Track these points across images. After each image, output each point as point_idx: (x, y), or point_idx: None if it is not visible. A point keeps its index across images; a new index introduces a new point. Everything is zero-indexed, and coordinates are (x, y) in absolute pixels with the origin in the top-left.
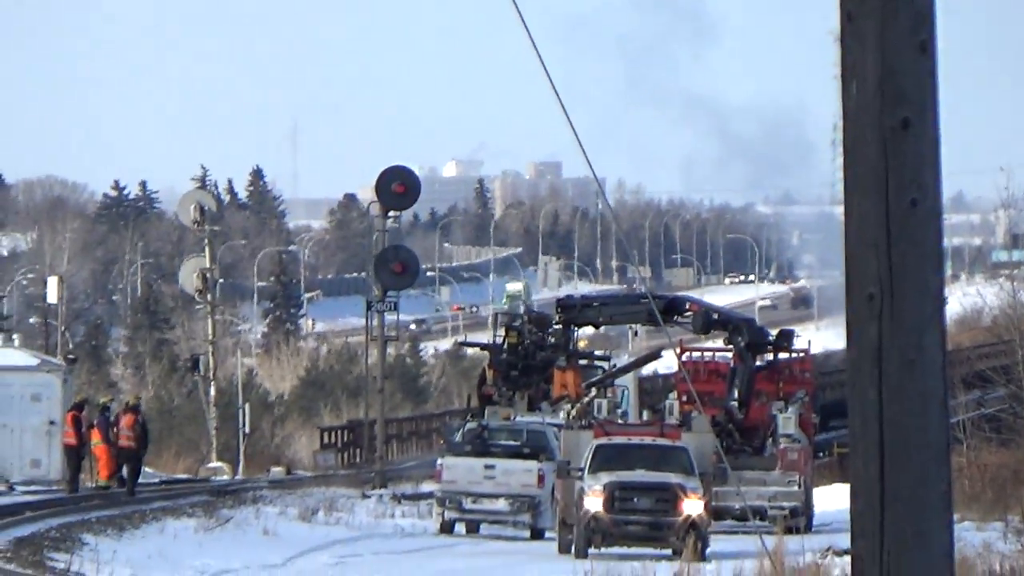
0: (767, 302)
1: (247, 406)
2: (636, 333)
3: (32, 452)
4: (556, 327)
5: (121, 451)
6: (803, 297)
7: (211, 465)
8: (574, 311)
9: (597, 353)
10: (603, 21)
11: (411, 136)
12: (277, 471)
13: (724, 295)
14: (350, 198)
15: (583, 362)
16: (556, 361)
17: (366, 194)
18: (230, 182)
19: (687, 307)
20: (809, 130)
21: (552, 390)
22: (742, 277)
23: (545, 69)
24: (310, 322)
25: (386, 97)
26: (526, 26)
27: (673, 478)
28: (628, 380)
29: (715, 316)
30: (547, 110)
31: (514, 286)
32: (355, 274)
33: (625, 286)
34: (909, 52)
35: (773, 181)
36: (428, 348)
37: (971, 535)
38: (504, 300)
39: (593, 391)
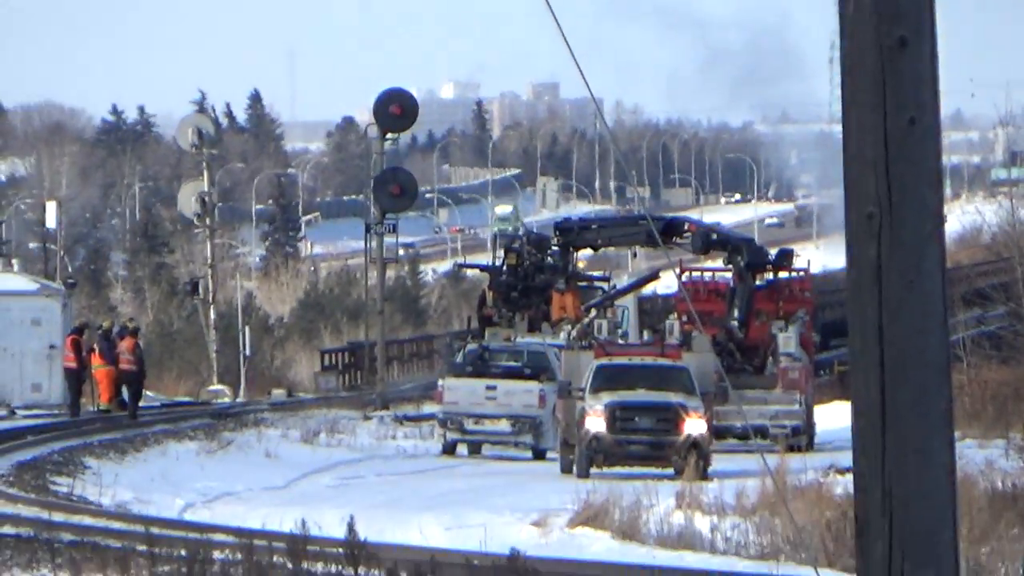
0: (775, 219)
1: (247, 329)
2: (635, 254)
3: (33, 376)
4: (555, 250)
5: (122, 374)
6: (809, 215)
7: (212, 388)
8: (572, 234)
9: (596, 275)
10: None
11: (408, 58)
12: (278, 394)
13: (724, 215)
14: (348, 121)
15: (582, 284)
16: (555, 284)
17: (364, 116)
18: (228, 106)
19: (686, 228)
20: (797, 41)
21: (551, 312)
22: (739, 196)
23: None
24: (309, 245)
25: (383, 19)
26: None
27: (674, 398)
28: (628, 301)
29: (714, 236)
30: (544, 31)
31: (503, 208)
32: (353, 196)
33: (619, 208)
34: None
35: (757, 92)
36: (427, 270)
37: (973, 453)
38: (493, 223)
39: (593, 312)
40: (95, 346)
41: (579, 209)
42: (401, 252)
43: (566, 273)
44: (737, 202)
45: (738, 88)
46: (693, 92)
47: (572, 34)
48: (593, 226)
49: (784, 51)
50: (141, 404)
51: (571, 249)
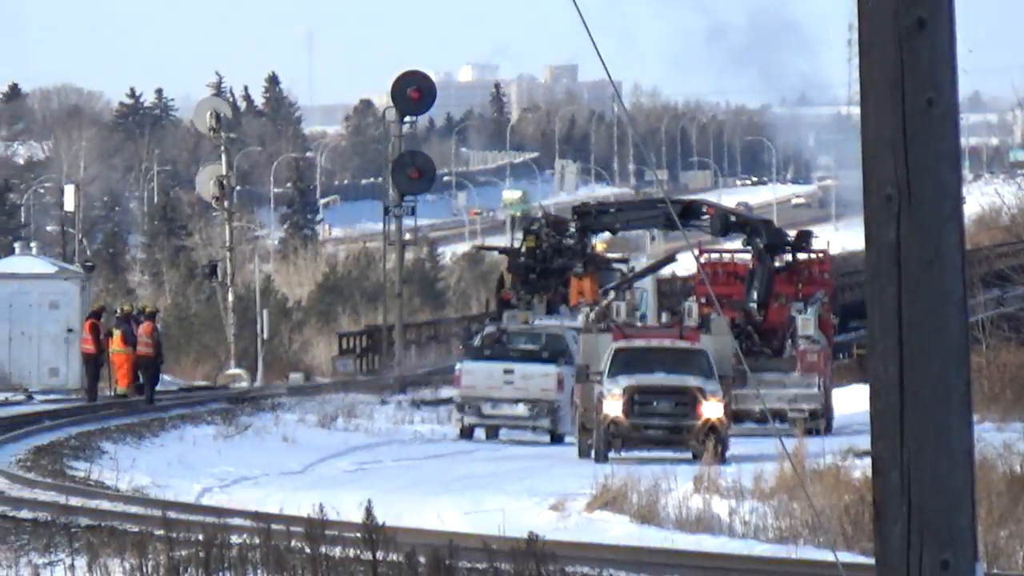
0: (801, 200)
1: (265, 312)
2: (654, 237)
3: (50, 360)
4: (573, 232)
5: (139, 358)
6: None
7: (230, 372)
8: (590, 218)
9: (615, 256)
10: None
11: (426, 41)
12: (296, 377)
13: (743, 197)
14: (366, 104)
15: (601, 266)
16: (573, 268)
17: (382, 99)
18: (246, 89)
19: (704, 210)
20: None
21: (570, 296)
22: (754, 179)
23: None
24: (327, 227)
25: (401, 2)
26: None
27: (692, 381)
28: (647, 283)
29: (733, 218)
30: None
31: (511, 194)
32: (372, 179)
33: (637, 191)
34: None
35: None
36: (446, 252)
37: (991, 435)
38: (501, 207)
39: (611, 295)
40: (113, 329)
41: (598, 192)
42: (408, 237)
43: (584, 257)
44: (754, 184)
45: (739, 63)
46: (695, 68)
47: (588, 14)
48: (611, 210)
49: (786, 25)
50: (158, 388)
51: (589, 233)
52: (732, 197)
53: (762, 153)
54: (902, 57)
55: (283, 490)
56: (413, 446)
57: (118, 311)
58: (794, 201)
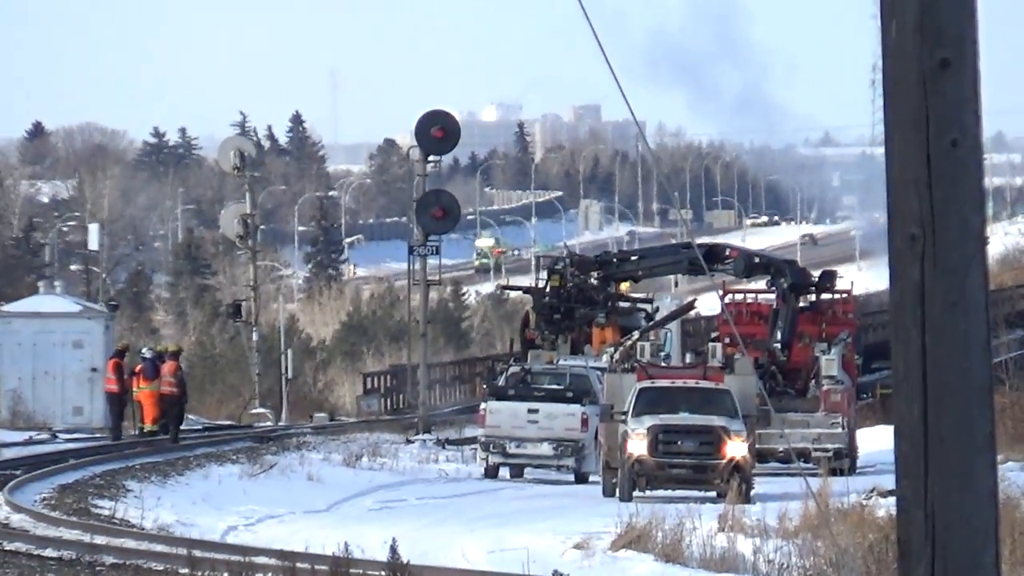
0: (808, 236)
1: (289, 352)
2: (677, 282)
3: (74, 399)
4: (595, 282)
5: (163, 397)
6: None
7: (254, 411)
8: (612, 267)
9: (639, 296)
10: None
11: (450, 80)
12: (320, 416)
13: (766, 237)
14: (390, 143)
15: (625, 305)
16: (595, 318)
17: (405, 139)
18: (270, 127)
19: (727, 253)
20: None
21: (592, 345)
22: (766, 219)
23: (584, 12)
24: (352, 267)
25: (425, 42)
26: None
27: (717, 420)
28: (671, 324)
29: (756, 259)
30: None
31: (484, 242)
32: (396, 219)
33: (663, 231)
34: None
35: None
36: (470, 292)
37: (1015, 475)
38: (475, 258)
39: (635, 335)
40: (138, 368)
41: (622, 231)
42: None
43: (606, 307)
44: (767, 224)
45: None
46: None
47: (612, 55)
48: (633, 257)
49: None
50: (183, 427)
51: (611, 282)
52: (756, 238)
53: (785, 193)
54: (926, 98)
55: (308, 528)
56: (438, 485)
57: (148, 350)
58: (801, 235)
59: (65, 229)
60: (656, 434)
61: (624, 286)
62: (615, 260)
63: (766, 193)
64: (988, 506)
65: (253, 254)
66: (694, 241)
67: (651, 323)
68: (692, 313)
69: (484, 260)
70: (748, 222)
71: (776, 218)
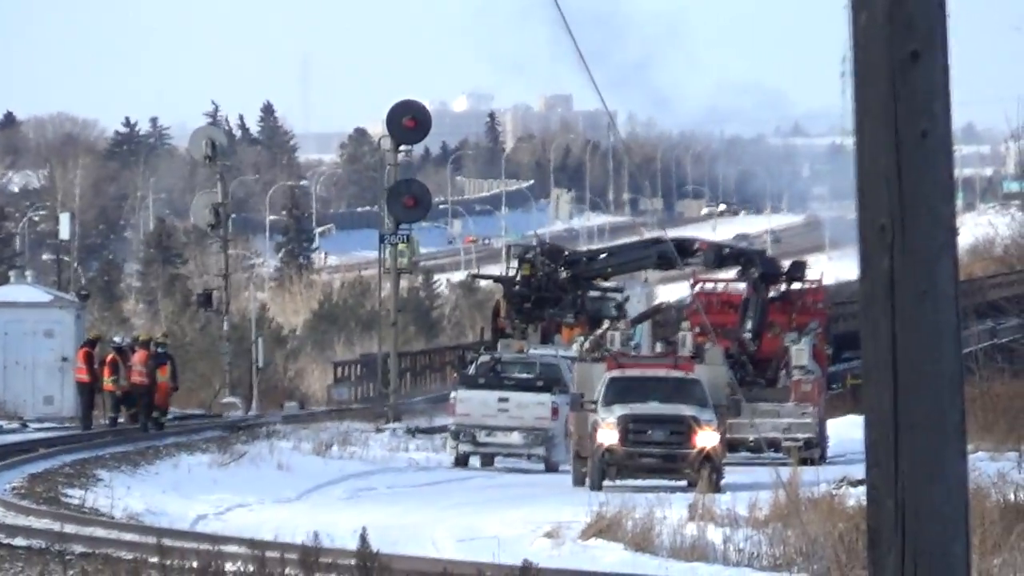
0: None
1: (260, 341)
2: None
3: (45, 389)
4: (564, 280)
5: (134, 387)
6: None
7: (225, 400)
8: (581, 266)
9: (609, 286)
10: None
11: (421, 70)
12: (291, 405)
13: (735, 226)
14: (361, 132)
15: (594, 294)
16: (564, 318)
17: (376, 128)
18: (241, 117)
19: (696, 246)
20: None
21: (562, 336)
22: (723, 207)
23: (557, 5)
24: (323, 255)
25: (396, 31)
26: None
27: (687, 410)
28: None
29: (726, 250)
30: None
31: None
32: (367, 208)
33: (634, 218)
34: None
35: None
36: (441, 280)
37: (985, 465)
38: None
39: (606, 323)
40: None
41: (592, 221)
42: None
43: (575, 308)
44: (722, 214)
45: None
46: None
47: (584, 45)
48: (601, 256)
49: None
50: (167, 416)
51: (580, 281)
52: (729, 227)
53: (756, 183)
54: (896, 89)
55: (278, 517)
56: (408, 474)
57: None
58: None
59: (36, 219)
60: (626, 423)
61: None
62: (584, 259)
63: (737, 184)
64: (958, 495)
65: (224, 243)
66: (667, 236)
67: (621, 321)
68: (666, 298)
69: (401, 259)
70: (705, 210)
71: (735, 207)
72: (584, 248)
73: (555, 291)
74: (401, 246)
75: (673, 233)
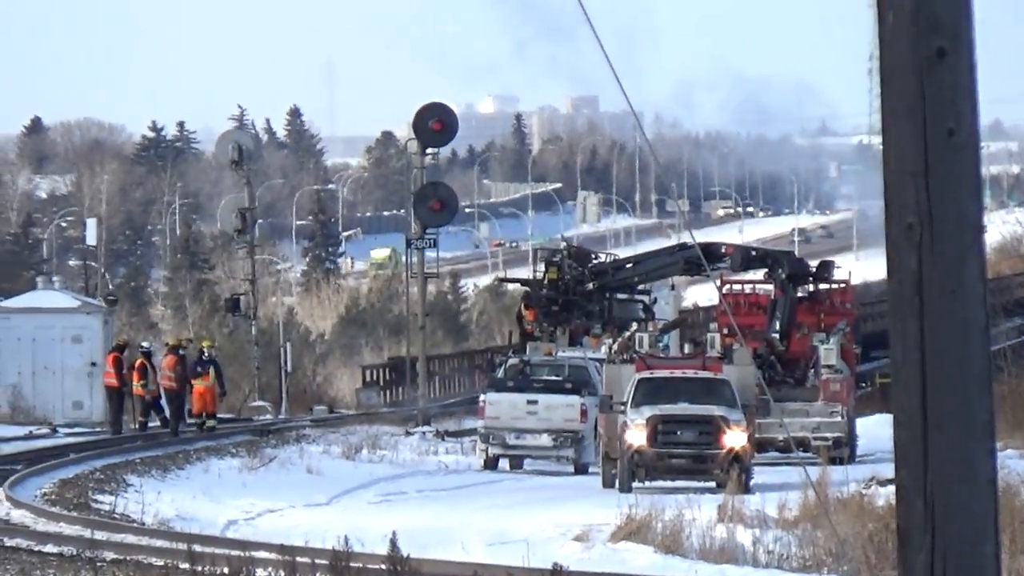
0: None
1: (288, 345)
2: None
3: (74, 394)
4: (591, 288)
5: (164, 392)
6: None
7: (254, 404)
8: (607, 276)
9: (638, 288)
10: None
11: (447, 73)
12: (320, 410)
13: (761, 228)
14: (387, 135)
15: (623, 296)
16: (591, 328)
17: (403, 131)
18: (268, 121)
19: (723, 250)
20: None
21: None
22: (738, 210)
23: (581, 4)
24: (349, 260)
25: (422, 34)
26: None
27: (716, 410)
28: (669, 314)
29: (753, 253)
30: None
31: (379, 253)
32: (394, 211)
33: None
34: None
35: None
36: (468, 284)
37: (1014, 463)
38: (368, 267)
39: (634, 325)
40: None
41: (619, 223)
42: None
43: (602, 318)
44: (740, 215)
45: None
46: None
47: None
48: (628, 265)
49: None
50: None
51: (607, 292)
52: (755, 228)
53: (783, 183)
54: (922, 87)
55: (308, 522)
56: (437, 477)
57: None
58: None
59: (63, 224)
60: (655, 424)
61: None
62: (610, 269)
63: (763, 184)
64: (987, 494)
65: (251, 248)
66: (695, 242)
67: (650, 323)
68: (692, 301)
69: (380, 271)
70: (722, 212)
71: (750, 208)
72: (610, 251)
73: (582, 299)
74: (380, 258)
75: (700, 236)
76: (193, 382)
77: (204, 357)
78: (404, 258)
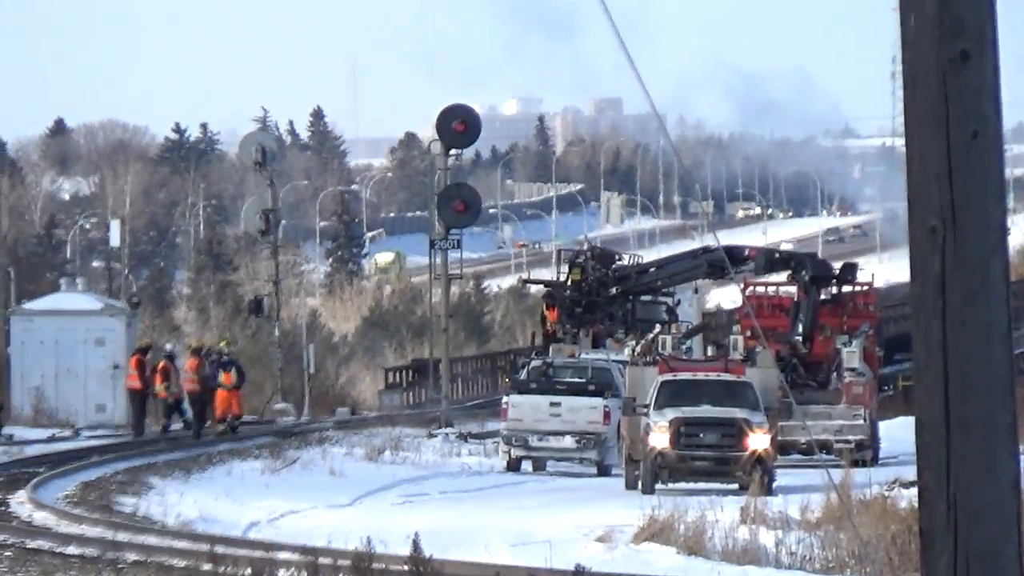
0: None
1: (311, 347)
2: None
3: (97, 396)
4: (614, 293)
5: (186, 394)
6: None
7: (277, 406)
8: (631, 281)
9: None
10: None
11: (470, 74)
12: (342, 411)
13: (784, 230)
14: (411, 136)
15: (646, 298)
16: (615, 333)
17: (426, 132)
18: (291, 123)
19: (746, 253)
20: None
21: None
22: (759, 210)
23: (604, 6)
24: (373, 262)
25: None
26: None
27: (738, 413)
28: (692, 316)
29: (776, 255)
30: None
31: (384, 257)
32: (417, 212)
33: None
34: None
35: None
36: (492, 286)
37: None
38: (373, 273)
39: (657, 327)
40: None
41: (643, 224)
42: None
43: (625, 323)
44: (756, 215)
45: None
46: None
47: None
48: (651, 269)
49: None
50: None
51: (630, 297)
52: (779, 230)
53: (806, 185)
54: (946, 89)
55: (330, 523)
56: (460, 479)
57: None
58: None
59: (87, 226)
60: (678, 427)
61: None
62: (633, 274)
63: (787, 185)
64: (1010, 497)
65: (274, 249)
66: (719, 244)
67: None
68: (715, 303)
69: (383, 274)
70: (741, 213)
71: (771, 210)
72: (634, 252)
73: (605, 303)
74: (385, 263)
75: (723, 237)
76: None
77: (224, 359)
78: (406, 262)
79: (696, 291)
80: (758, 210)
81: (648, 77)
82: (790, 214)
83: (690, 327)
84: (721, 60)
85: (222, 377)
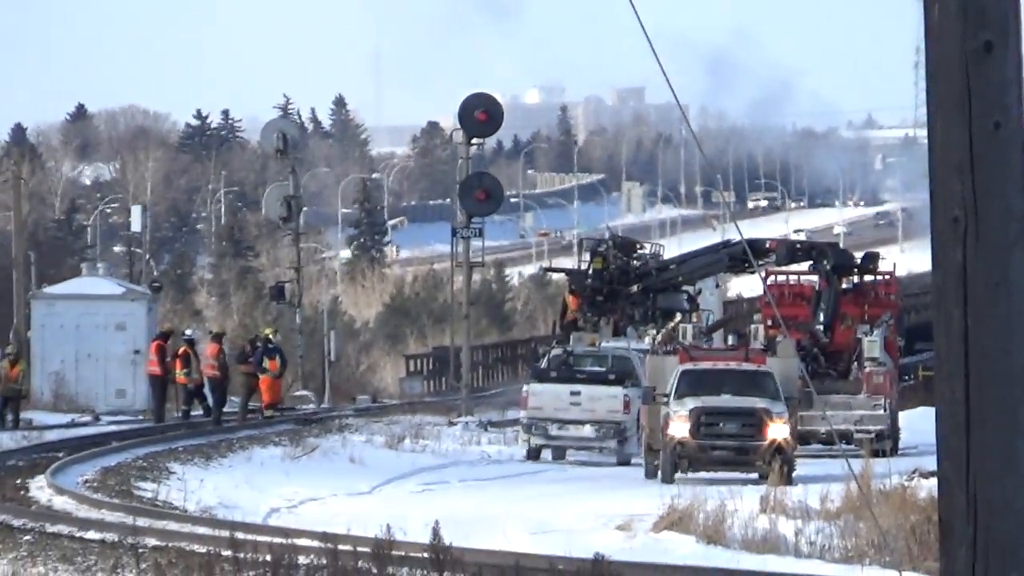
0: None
1: (332, 334)
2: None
3: (117, 381)
4: (635, 290)
5: (207, 380)
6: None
7: (297, 393)
8: (652, 277)
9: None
10: None
11: (493, 63)
12: (363, 399)
13: (806, 219)
14: (433, 125)
15: (666, 289)
16: (638, 328)
17: (449, 121)
18: (313, 110)
19: (768, 245)
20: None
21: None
22: (767, 201)
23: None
24: (395, 249)
25: (468, 24)
26: None
27: (759, 403)
28: (713, 305)
29: (798, 246)
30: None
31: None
32: (439, 201)
33: (706, 213)
34: None
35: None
36: (513, 274)
37: None
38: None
39: (678, 316)
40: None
41: (664, 214)
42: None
43: (647, 315)
44: (768, 206)
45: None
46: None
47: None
48: (672, 265)
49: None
50: (225, 409)
51: (651, 294)
52: (798, 219)
53: (827, 175)
54: (969, 80)
55: (350, 511)
56: (480, 467)
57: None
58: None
59: (108, 211)
60: (698, 416)
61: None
62: (654, 270)
63: (809, 176)
64: None
65: (296, 236)
66: (742, 237)
67: (694, 314)
68: (736, 292)
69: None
70: (751, 204)
71: (777, 201)
72: (655, 241)
73: (626, 292)
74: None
75: (744, 227)
76: (259, 373)
77: (270, 346)
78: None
79: (718, 285)
80: (765, 202)
81: (670, 68)
82: (803, 204)
83: (713, 321)
84: (747, 47)
85: (267, 364)
